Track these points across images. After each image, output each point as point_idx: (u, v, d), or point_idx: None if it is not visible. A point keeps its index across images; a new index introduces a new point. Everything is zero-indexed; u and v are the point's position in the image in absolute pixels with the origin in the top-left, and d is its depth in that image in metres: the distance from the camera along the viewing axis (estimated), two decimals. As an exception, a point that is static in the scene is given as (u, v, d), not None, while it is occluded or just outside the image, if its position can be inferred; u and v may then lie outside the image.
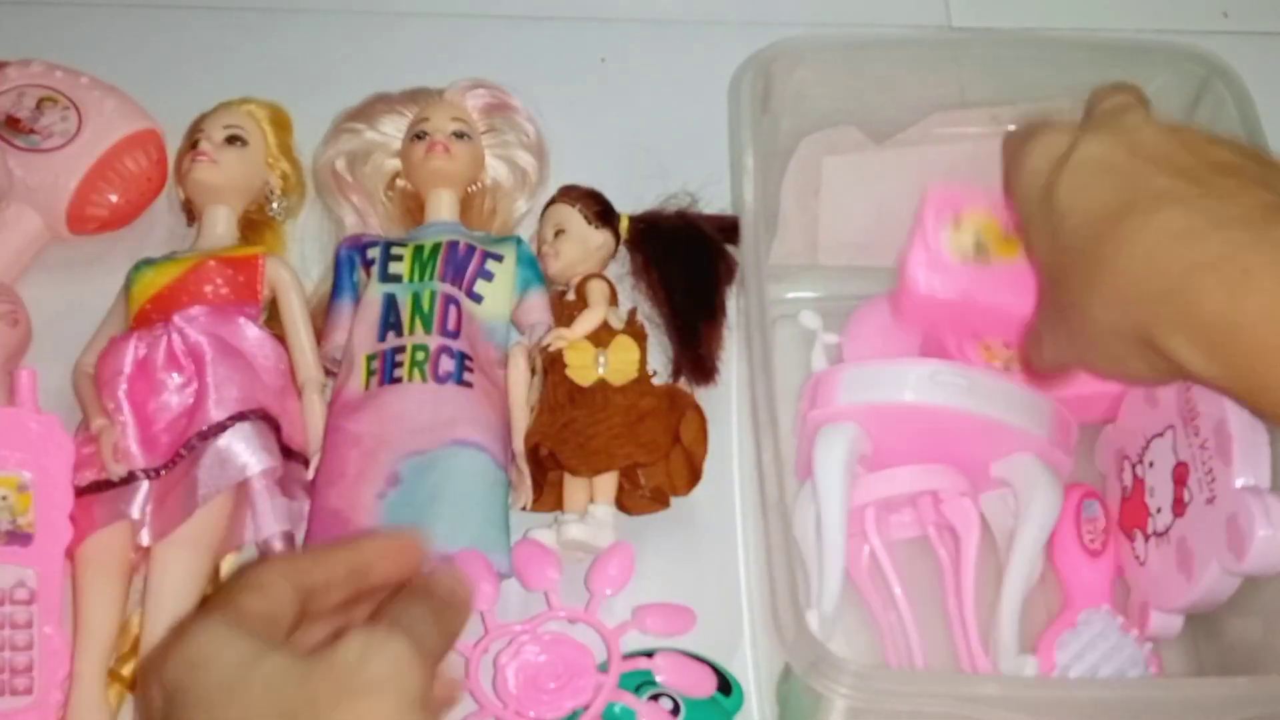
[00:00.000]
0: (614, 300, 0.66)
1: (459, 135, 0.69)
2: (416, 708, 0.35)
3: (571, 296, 0.66)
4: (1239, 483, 0.53)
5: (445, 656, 0.39)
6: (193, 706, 0.33)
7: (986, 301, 0.58)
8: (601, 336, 0.64)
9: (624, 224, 0.68)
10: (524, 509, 0.62)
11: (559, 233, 0.67)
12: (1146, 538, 0.59)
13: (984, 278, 0.58)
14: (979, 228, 0.58)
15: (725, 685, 0.58)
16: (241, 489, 0.60)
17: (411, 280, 0.64)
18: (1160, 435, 0.59)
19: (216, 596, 0.40)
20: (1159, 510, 0.58)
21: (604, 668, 0.57)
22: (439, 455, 0.60)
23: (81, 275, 0.70)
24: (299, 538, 0.61)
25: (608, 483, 0.61)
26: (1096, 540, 0.60)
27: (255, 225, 0.70)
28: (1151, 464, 0.60)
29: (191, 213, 0.70)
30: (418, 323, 0.63)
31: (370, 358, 0.63)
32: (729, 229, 0.68)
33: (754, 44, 0.64)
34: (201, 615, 0.36)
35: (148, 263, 0.66)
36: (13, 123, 0.69)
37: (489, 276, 0.65)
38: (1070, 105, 0.63)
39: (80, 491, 0.59)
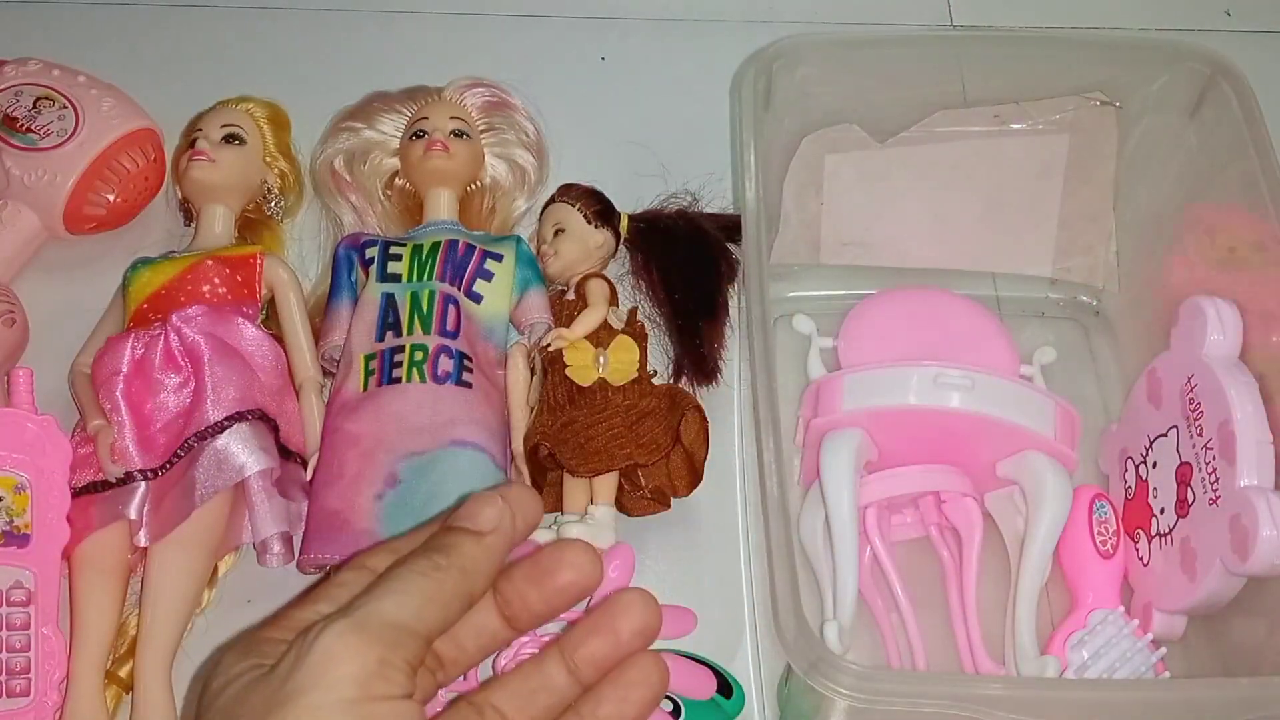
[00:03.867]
0: (614, 300, 0.66)
1: (458, 134, 0.68)
2: (350, 706, 0.32)
3: (571, 296, 0.66)
4: (1243, 483, 0.53)
5: (446, 620, 0.35)
6: (195, 715, 0.35)
7: None
8: (601, 336, 0.64)
9: (624, 223, 0.68)
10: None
11: (558, 232, 0.66)
12: (1150, 538, 0.59)
13: None
14: None
15: (726, 687, 0.58)
16: (239, 489, 0.60)
17: (410, 280, 0.64)
18: (1163, 435, 0.59)
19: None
20: (1162, 511, 0.58)
21: (604, 669, 0.56)
22: (438, 456, 0.59)
23: (79, 275, 0.70)
24: (296, 539, 0.61)
25: (608, 484, 0.61)
26: (1109, 542, 0.60)
27: (253, 224, 0.69)
28: (1155, 464, 0.59)
29: (189, 212, 0.69)
30: (416, 323, 0.62)
31: (369, 358, 0.62)
32: (730, 228, 0.68)
33: (754, 42, 0.64)
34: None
35: (145, 262, 0.65)
36: (10, 121, 0.69)
37: (488, 276, 0.65)
38: (1074, 104, 0.63)
39: (77, 492, 0.59)
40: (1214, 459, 0.55)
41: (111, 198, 0.70)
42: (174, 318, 0.62)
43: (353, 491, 0.59)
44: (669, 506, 0.63)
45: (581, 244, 0.66)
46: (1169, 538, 0.57)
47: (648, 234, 0.68)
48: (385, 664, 0.32)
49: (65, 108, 0.69)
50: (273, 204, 0.70)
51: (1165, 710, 0.50)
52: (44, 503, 0.58)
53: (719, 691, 0.58)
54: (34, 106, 0.69)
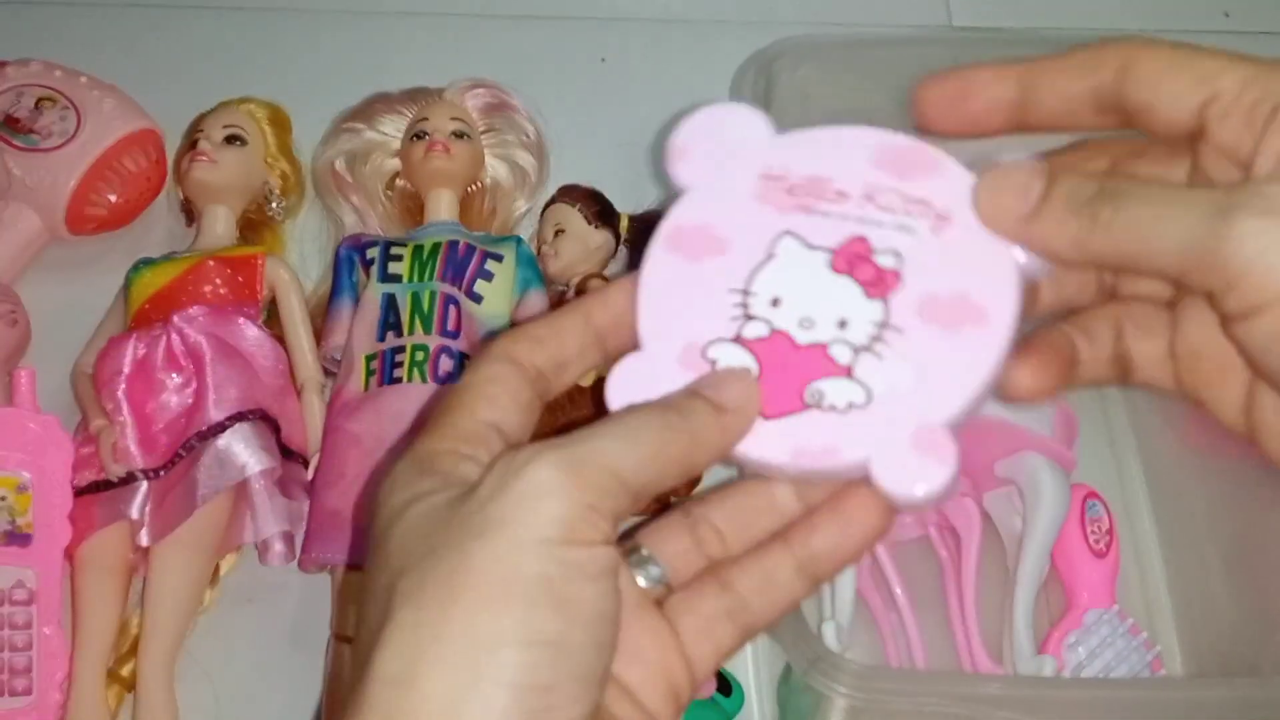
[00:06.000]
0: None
1: (459, 135, 0.68)
2: (552, 549, 0.30)
3: (571, 296, 0.66)
4: None
5: (660, 482, 0.32)
6: (370, 537, 0.33)
7: None
8: (602, 336, 0.64)
9: (624, 224, 0.68)
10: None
11: (559, 232, 0.67)
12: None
13: None
14: None
15: (725, 686, 0.58)
16: (241, 489, 0.60)
17: (411, 280, 0.64)
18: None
19: (431, 417, 0.35)
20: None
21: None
22: (439, 455, 0.59)
23: (80, 275, 0.70)
24: (298, 538, 0.61)
25: (608, 483, 0.61)
26: (1101, 541, 0.60)
27: (255, 225, 0.70)
28: None
29: (191, 213, 0.70)
30: (417, 323, 0.63)
31: (370, 358, 0.62)
32: (729, 228, 0.68)
33: (754, 43, 0.64)
34: (405, 448, 0.34)
35: (147, 263, 0.66)
36: (12, 122, 0.69)
37: (488, 276, 0.65)
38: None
39: (79, 492, 0.59)
40: None
41: (113, 198, 0.70)
42: (175, 318, 0.62)
43: (354, 491, 0.59)
44: (670, 506, 0.63)
45: (582, 244, 0.66)
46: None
47: (648, 234, 0.68)
48: (593, 510, 0.30)
49: (67, 108, 0.69)
50: (274, 205, 0.70)
51: (1163, 709, 0.50)
52: (46, 502, 0.58)
53: (718, 690, 0.58)
54: (36, 107, 0.69)
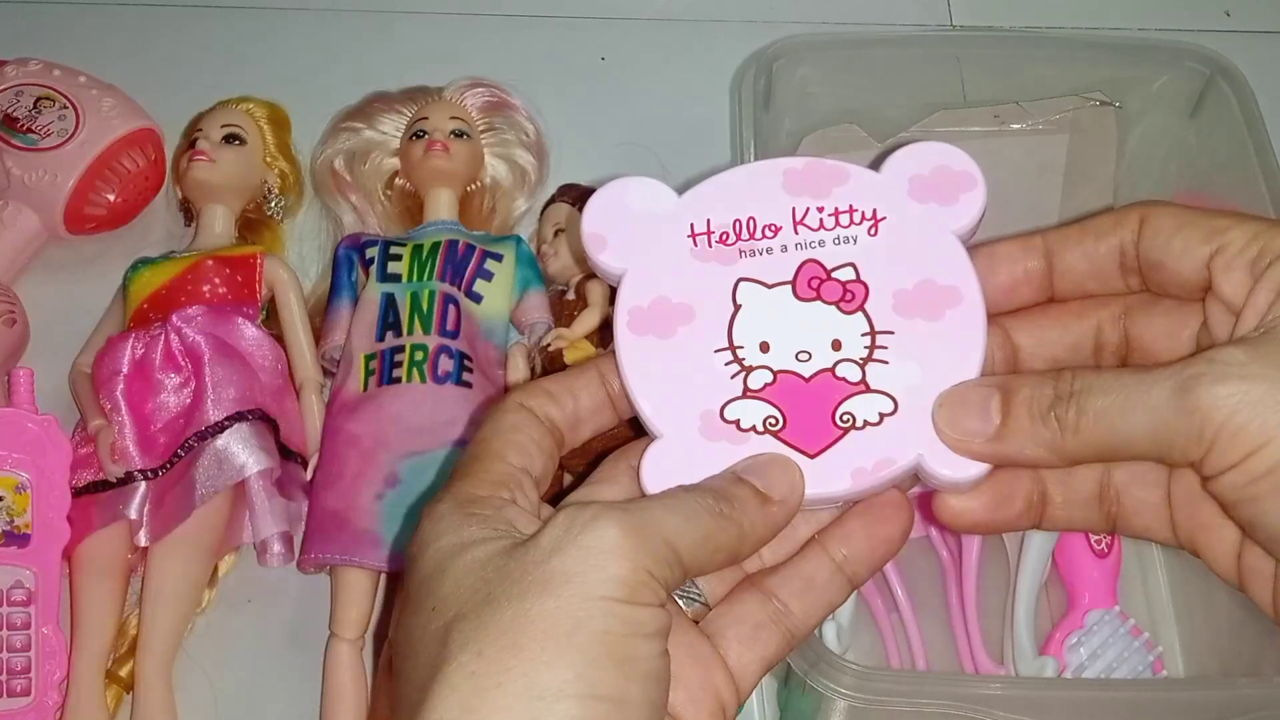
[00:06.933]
0: (614, 300, 0.66)
1: (458, 134, 0.68)
2: (615, 606, 0.30)
3: (571, 296, 0.66)
4: None
5: (706, 566, 0.33)
6: (414, 578, 0.33)
7: None
8: (602, 336, 0.64)
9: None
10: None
11: (558, 232, 0.67)
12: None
13: None
14: None
15: (726, 686, 0.58)
16: (239, 489, 0.60)
17: (410, 280, 0.64)
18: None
19: (465, 456, 0.35)
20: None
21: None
22: (438, 456, 0.59)
23: (79, 275, 0.70)
24: (297, 538, 0.61)
25: (608, 483, 0.61)
26: (1103, 541, 0.60)
27: (253, 224, 0.69)
28: None
29: (189, 212, 0.69)
30: (416, 322, 0.62)
31: (369, 358, 0.62)
32: (729, 228, 0.68)
33: (754, 43, 0.64)
34: (441, 491, 0.34)
35: (145, 262, 0.66)
36: (10, 121, 0.69)
37: (488, 276, 0.65)
38: (1074, 105, 0.63)
39: (78, 492, 0.59)
40: None
41: (112, 198, 0.70)
42: (174, 318, 0.62)
43: (353, 491, 0.59)
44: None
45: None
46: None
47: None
48: (651, 575, 0.31)
49: (66, 108, 0.69)
50: (273, 204, 0.70)
51: (1164, 710, 0.50)
52: (44, 502, 0.58)
53: (719, 691, 0.57)
54: (35, 106, 0.69)
